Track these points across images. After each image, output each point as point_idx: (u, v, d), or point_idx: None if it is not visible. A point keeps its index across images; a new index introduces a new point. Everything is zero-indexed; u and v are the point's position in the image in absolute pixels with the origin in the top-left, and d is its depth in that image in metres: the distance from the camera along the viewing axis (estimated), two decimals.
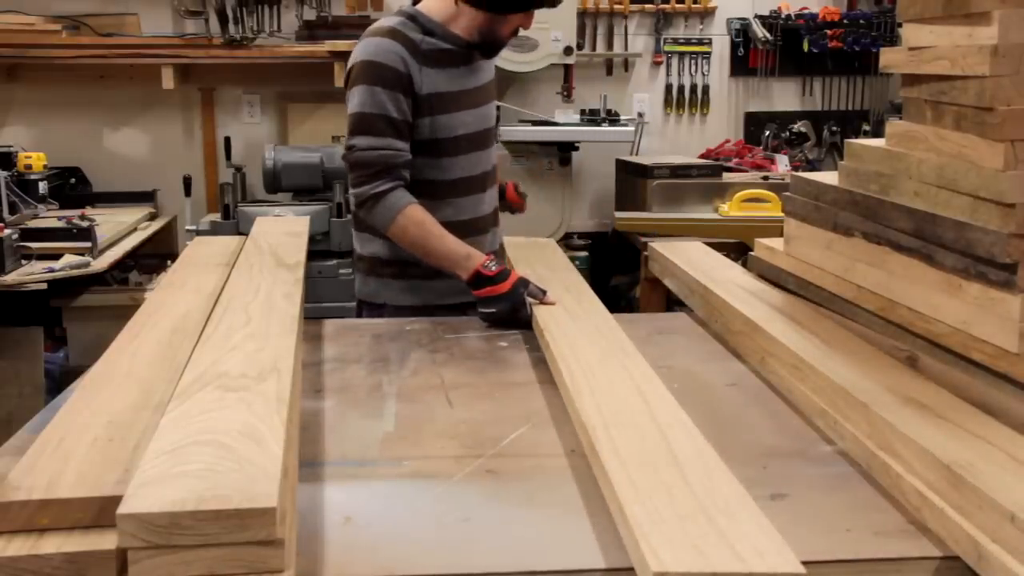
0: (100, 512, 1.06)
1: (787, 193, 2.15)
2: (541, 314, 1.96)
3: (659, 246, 2.52)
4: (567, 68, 4.38)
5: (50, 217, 3.85)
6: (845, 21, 4.81)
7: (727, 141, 4.83)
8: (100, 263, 3.39)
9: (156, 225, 4.27)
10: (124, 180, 4.57)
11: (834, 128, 4.91)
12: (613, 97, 4.62)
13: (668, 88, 4.92)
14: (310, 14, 4.47)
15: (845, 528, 1.21)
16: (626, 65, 4.89)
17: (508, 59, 4.08)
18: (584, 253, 4.57)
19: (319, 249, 3.75)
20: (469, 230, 2.27)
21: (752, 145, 4.80)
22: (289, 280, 1.95)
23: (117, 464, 1.16)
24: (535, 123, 4.42)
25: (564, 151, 4.40)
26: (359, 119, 2.18)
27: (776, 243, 2.20)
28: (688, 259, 2.34)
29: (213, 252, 2.29)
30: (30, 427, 1.49)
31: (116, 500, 1.02)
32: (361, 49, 2.22)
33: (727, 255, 2.45)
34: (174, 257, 4.38)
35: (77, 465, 1.15)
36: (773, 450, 1.47)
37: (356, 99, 2.19)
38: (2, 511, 1.06)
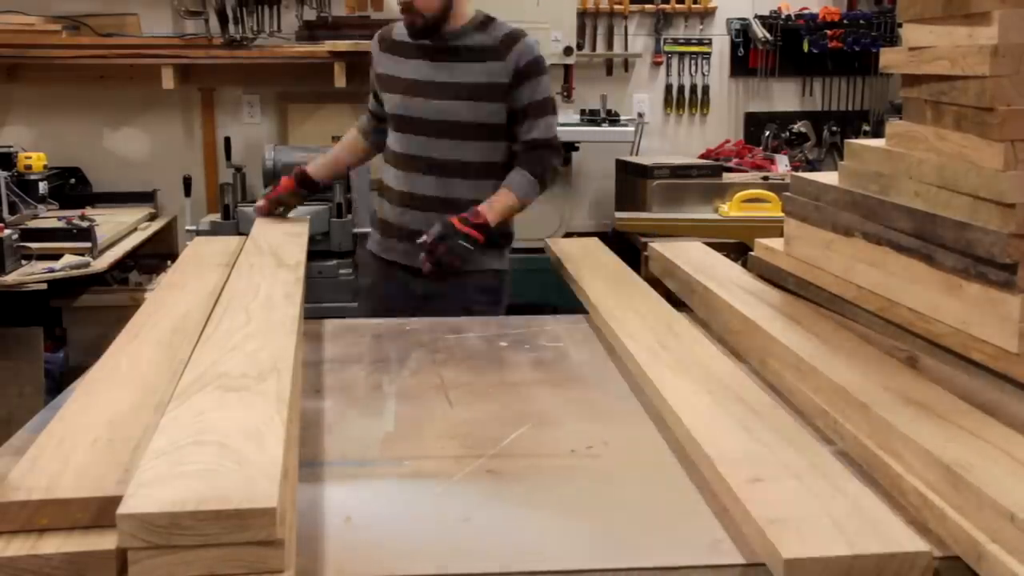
0: (100, 512, 1.07)
1: (787, 193, 2.15)
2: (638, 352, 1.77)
3: (659, 246, 2.52)
4: (567, 68, 4.37)
5: (50, 217, 3.84)
6: (845, 21, 4.81)
7: (727, 141, 4.83)
8: (100, 263, 3.39)
9: (156, 225, 4.27)
10: (124, 180, 4.57)
11: (834, 128, 4.90)
12: (613, 97, 4.62)
13: (668, 88, 4.92)
14: (310, 14, 4.47)
15: None
16: (626, 65, 4.89)
17: None
18: None
19: (319, 249, 3.74)
20: (404, 201, 2.61)
21: (752, 145, 4.80)
22: (289, 280, 1.95)
23: (117, 464, 1.16)
24: None
25: (564, 151, 4.40)
26: None
27: (776, 243, 2.20)
28: (688, 259, 2.34)
29: (213, 252, 2.29)
30: (30, 427, 1.48)
31: (116, 500, 1.02)
32: None
33: (727, 255, 2.45)
34: (174, 257, 4.38)
35: (77, 465, 1.15)
36: None
37: None
38: (2, 511, 1.06)
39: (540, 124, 2.54)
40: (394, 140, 2.63)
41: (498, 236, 2.54)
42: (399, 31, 2.62)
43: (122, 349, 1.60)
